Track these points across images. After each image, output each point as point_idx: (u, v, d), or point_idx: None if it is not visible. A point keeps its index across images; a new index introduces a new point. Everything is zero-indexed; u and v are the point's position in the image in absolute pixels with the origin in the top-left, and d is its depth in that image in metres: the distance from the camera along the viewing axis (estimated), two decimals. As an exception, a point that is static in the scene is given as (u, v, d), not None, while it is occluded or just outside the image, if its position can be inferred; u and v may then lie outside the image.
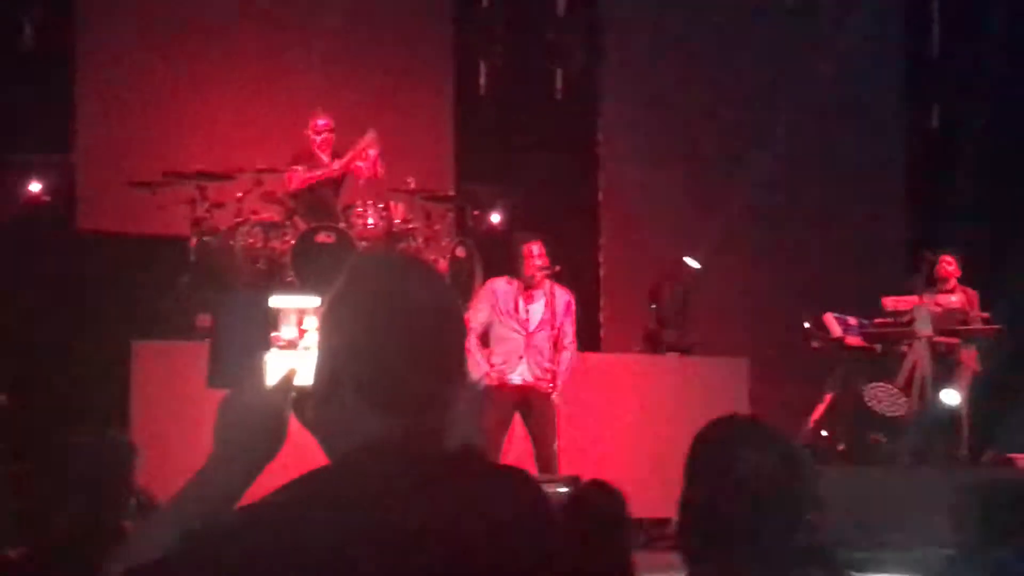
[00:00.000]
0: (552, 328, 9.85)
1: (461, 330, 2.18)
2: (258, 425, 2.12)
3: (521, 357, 9.82)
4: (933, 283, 11.48)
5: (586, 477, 8.30)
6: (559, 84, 14.24)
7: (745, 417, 2.96)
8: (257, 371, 2.17)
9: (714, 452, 2.76)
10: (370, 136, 11.24)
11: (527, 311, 9.87)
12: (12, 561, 4.70)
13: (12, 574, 4.57)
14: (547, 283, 9.90)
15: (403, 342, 2.08)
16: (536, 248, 9.87)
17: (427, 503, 2.01)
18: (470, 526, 2.03)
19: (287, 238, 10.88)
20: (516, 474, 2.22)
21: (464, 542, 2.02)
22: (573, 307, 10.08)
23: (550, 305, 9.86)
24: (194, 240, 11.01)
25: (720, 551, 2.70)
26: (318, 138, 11.26)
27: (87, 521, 4.46)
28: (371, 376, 2.08)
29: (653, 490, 10.32)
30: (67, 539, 4.46)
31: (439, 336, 2.11)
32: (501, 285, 9.95)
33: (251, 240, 10.95)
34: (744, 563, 2.67)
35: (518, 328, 9.84)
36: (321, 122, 11.31)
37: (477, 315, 9.91)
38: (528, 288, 9.87)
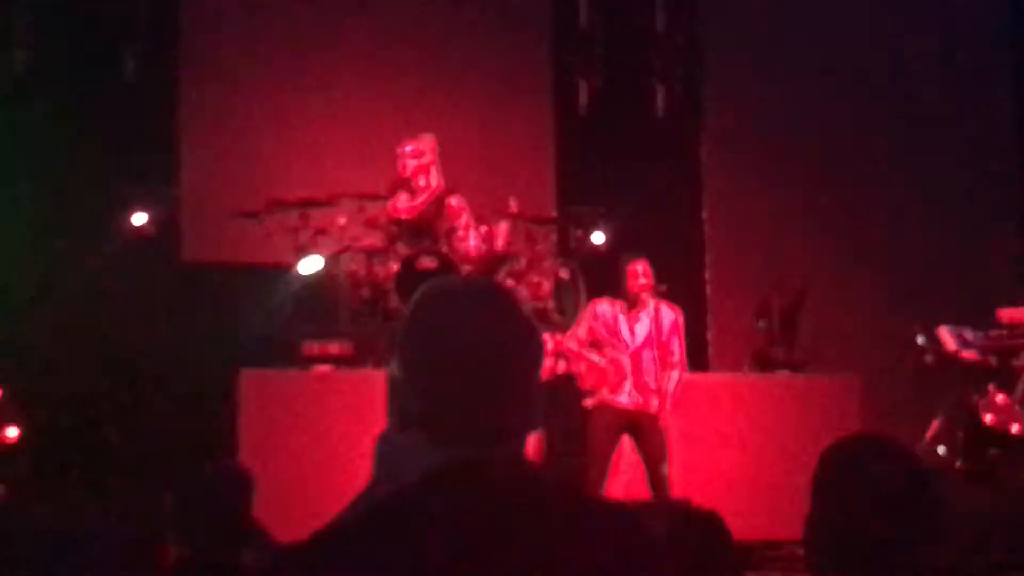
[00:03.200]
0: (658, 347, 9.74)
1: (530, 358, 2.13)
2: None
3: (627, 378, 9.71)
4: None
5: (697, 499, 8.20)
6: (660, 102, 14.12)
7: (875, 435, 2.89)
8: None
9: (845, 471, 2.69)
10: (427, 139, 11.23)
11: (631, 331, 9.77)
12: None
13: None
14: (652, 301, 9.80)
15: (458, 375, 2.06)
16: (640, 267, 9.76)
17: (483, 536, 1.99)
18: (527, 561, 1.98)
19: (390, 264, 10.88)
20: (608, 509, 2.17)
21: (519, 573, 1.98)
22: (681, 324, 9.95)
23: (655, 323, 9.75)
24: (298, 268, 11.06)
25: (850, 573, 2.63)
26: (409, 165, 11.23)
27: (206, 553, 4.45)
28: (429, 409, 2.08)
29: (765, 512, 10.23)
30: (186, 572, 4.45)
31: (500, 367, 2.08)
32: (603, 307, 9.87)
33: (354, 267, 11.00)
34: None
35: (618, 348, 9.74)
36: (408, 148, 11.29)
37: (578, 332, 9.94)
38: (632, 308, 9.76)
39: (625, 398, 9.70)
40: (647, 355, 9.72)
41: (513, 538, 1.99)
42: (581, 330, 9.96)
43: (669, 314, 9.88)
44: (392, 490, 2.07)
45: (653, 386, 9.69)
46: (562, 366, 10.68)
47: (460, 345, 2.06)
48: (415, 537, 1.98)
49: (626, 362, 9.72)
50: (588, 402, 9.79)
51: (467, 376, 2.06)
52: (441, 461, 2.04)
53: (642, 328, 9.76)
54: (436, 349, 2.07)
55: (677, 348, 9.87)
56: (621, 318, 9.76)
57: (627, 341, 9.74)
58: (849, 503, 2.63)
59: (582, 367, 9.81)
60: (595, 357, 9.74)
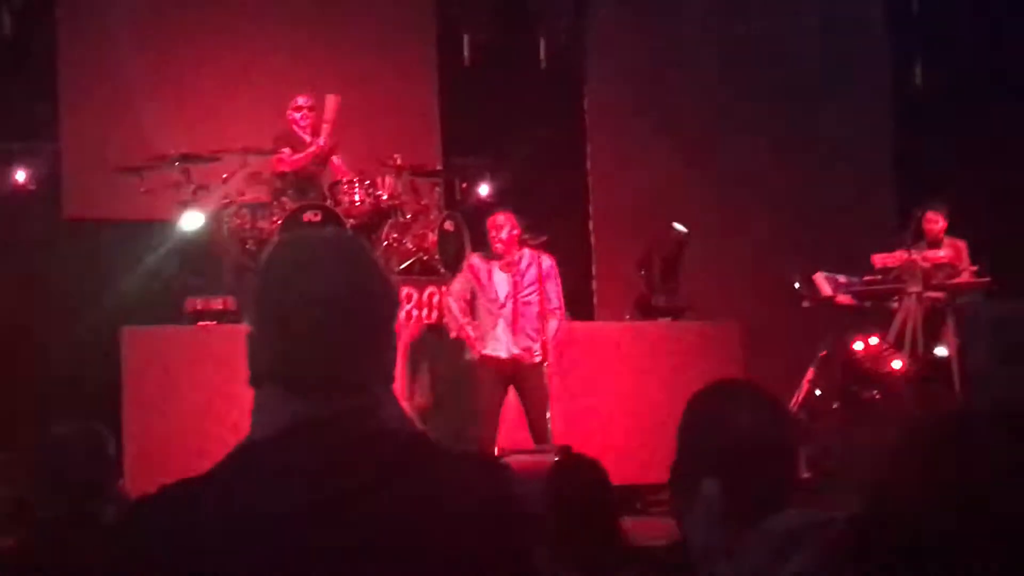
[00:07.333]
0: (528, 296, 9.77)
1: (380, 310, 2.13)
2: None
3: (498, 329, 9.76)
4: (921, 239, 11.49)
5: (579, 446, 8.33)
6: (544, 54, 14.17)
7: (735, 381, 2.90)
8: None
9: (704, 417, 2.71)
10: (332, 100, 11.23)
11: (504, 282, 9.79)
12: (2, 551, 4.70)
13: (2, 564, 4.58)
14: (522, 251, 9.81)
15: (305, 328, 2.05)
16: (501, 218, 9.80)
17: (327, 486, 1.99)
18: (379, 509, 1.99)
19: (274, 218, 10.86)
20: (470, 461, 2.17)
21: (367, 525, 1.98)
22: (555, 271, 9.90)
23: (523, 274, 9.78)
24: (180, 224, 11.00)
25: None
26: (299, 116, 11.31)
27: (67, 512, 4.45)
28: (276, 361, 2.08)
29: (648, 456, 10.41)
30: (49, 530, 4.46)
31: (348, 319, 2.07)
32: (475, 260, 9.90)
33: (238, 221, 10.95)
34: (735, 528, 2.61)
35: (491, 301, 9.78)
36: (301, 101, 11.35)
37: (455, 287, 9.98)
38: (502, 259, 9.80)
39: (502, 351, 9.76)
40: (521, 305, 9.75)
41: (362, 492, 1.99)
42: (457, 284, 9.99)
43: (543, 261, 9.89)
44: (241, 445, 2.07)
45: (531, 335, 9.73)
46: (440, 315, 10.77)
47: (306, 297, 2.05)
48: (260, 491, 1.98)
49: (496, 315, 9.77)
50: (470, 355, 9.86)
51: (314, 329, 2.05)
52: (289, 415, 2.03)
53: (507, 279, 9.79)
54: (283, 302, 2.07)
55: (554, 295, 9.86)
56: (494, 270, 9.79)
57: (499, 293, 9.77)
58: (707, 451, 2.65)
59: (457, 329, 9.91)
60: (469, 330, 9.81)
